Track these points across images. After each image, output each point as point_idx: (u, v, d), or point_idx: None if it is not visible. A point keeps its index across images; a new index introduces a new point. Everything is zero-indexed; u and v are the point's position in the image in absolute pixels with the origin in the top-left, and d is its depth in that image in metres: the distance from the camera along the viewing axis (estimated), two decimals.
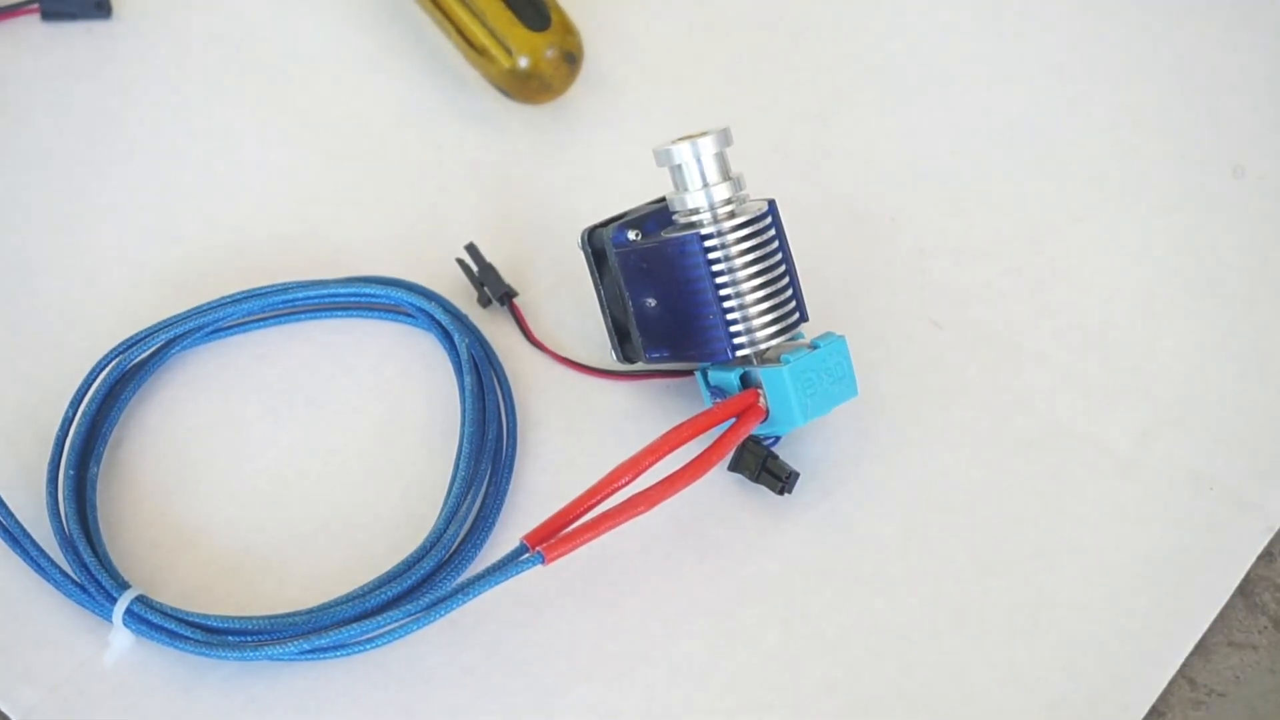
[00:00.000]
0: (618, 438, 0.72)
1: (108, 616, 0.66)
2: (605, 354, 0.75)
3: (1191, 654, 0.67)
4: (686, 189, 0.69)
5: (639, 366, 0.74)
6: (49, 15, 0.89)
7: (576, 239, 0.73)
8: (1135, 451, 0.72)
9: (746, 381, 0.69)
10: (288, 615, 0.65)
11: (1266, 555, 0.70)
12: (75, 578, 0.67)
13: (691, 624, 0.67)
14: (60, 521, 0.68)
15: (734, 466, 0.71)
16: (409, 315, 0.77)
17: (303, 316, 0.77)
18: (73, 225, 0.82)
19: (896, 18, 0.91)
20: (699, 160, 0.69)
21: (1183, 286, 0.79)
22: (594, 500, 0.65)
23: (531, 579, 0.65)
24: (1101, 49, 0.90)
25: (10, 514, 0.68)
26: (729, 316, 0.69)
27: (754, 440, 0.70)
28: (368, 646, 0.65)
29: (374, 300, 0.77)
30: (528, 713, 0.65)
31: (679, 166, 0.69)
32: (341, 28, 0.91)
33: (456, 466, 0.70)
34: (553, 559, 0.64)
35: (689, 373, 0.74)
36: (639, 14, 0.91)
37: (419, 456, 0.73)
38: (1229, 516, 0.70)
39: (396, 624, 0.64)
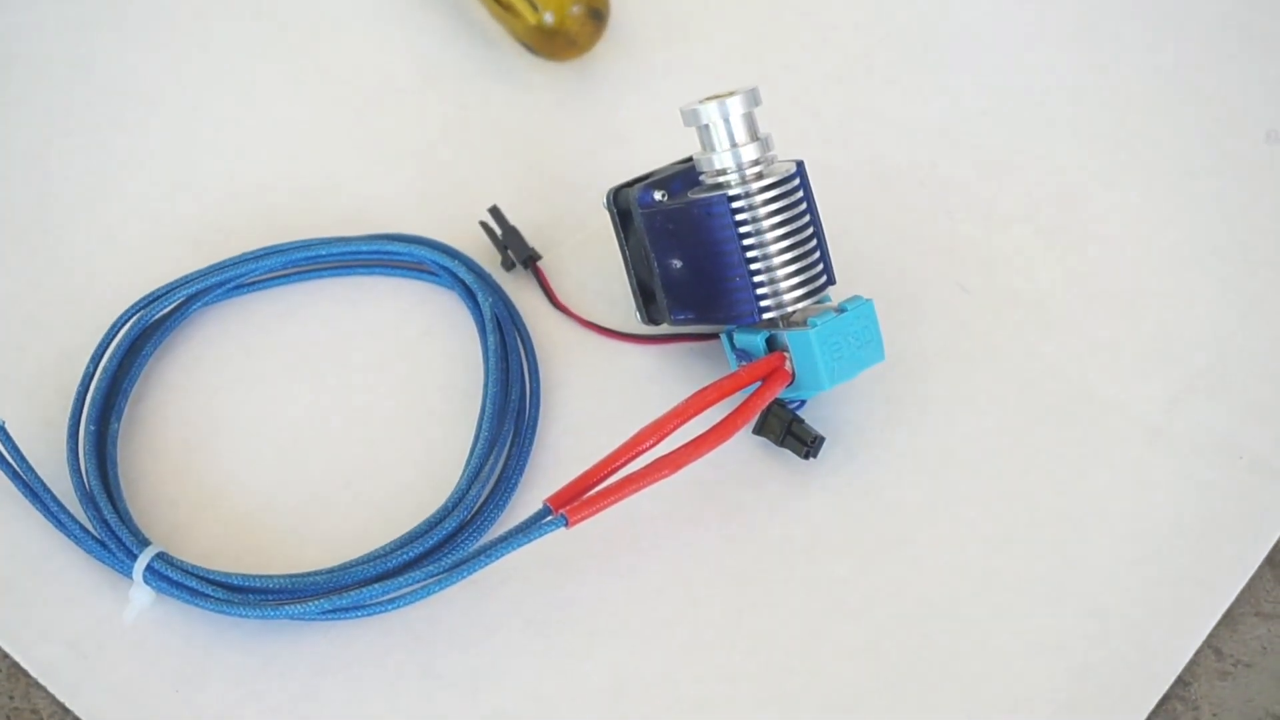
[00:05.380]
0: (642, 400, 0.72)
1: (128, 573, 0.65)
2: (629, 316, 0.74)
3: (1218, 624, 0.66)
4: (714, 149, 0.68)
5: (663, 329, 0.74)
6: None
7: (601, 198, 0.72)
8: (1164, 419, 0.72)
9: (772, 344, 0.69)
10: (308, 575, 0.65)
11: None
12: (95, 534, 0.67)
13: (714, 588, 0.67)
14: (81, 477, 0.68)
15: (759, 430, 0.70)
16: (432, 273, 0.76)
17: (325, 273, 0.77)
18: (94, 179, 0.81)
19: None
20: (727, 120, 0.68)
21: (1214, 252, 0.78)
22: (618, 463, 0.65)
23: (554, 541, 0.65)
24: (1134, 11, 0.88)
25: (30, 469, 0.67)
26: (756, 279, 0.68)
27: (780, 404, 0.70)
28: (389, 607, 0.65)
29: (397, 258, 0.76)
30: (549, 674, 0.65)
31: (706, 126, 0.68)
32: None
33: (479, 427, 0.70)
34: (576, 522, 0.63)
35: (714, 335, 0.73)
36: None
37: (441, 416, 0.72)
38: (1258, 485, 0.69)
39: (418, 585, 0.64)
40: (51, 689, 0.64)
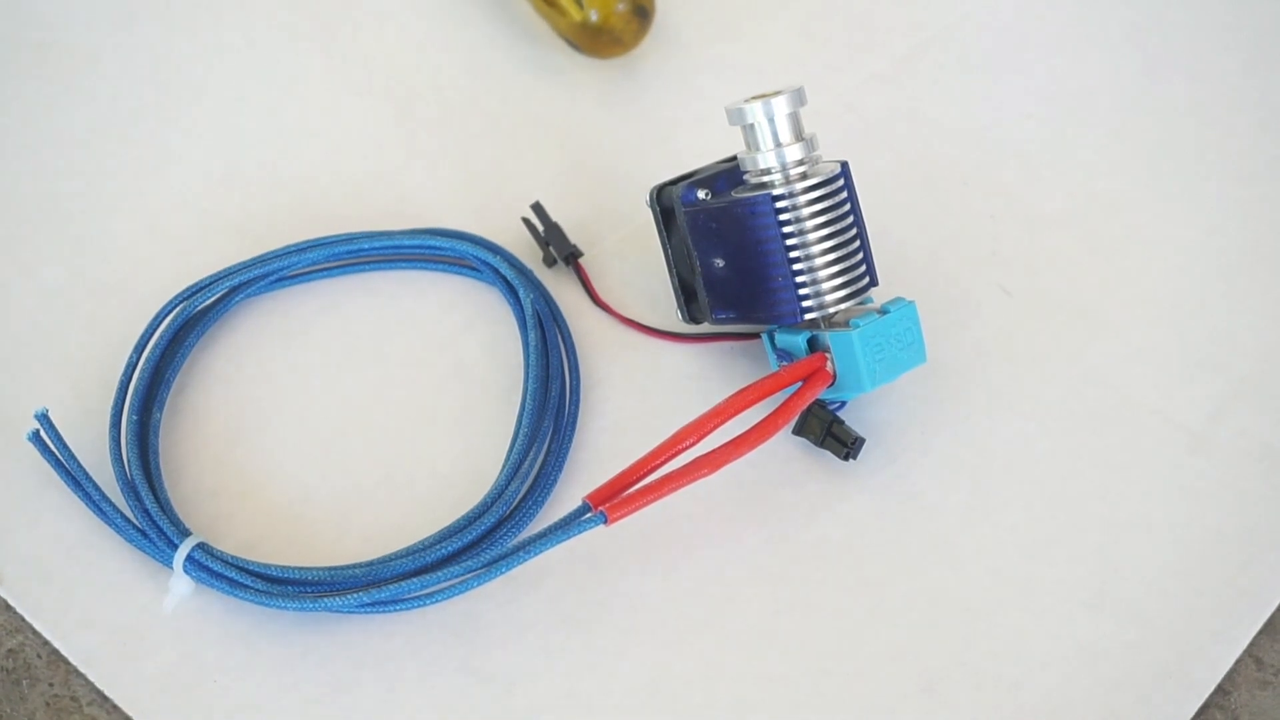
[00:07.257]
0: (682, 399, 0.72)
1: (168, 563, 0.66)
2: (671, 315, 0.74)
3: (1259, 633, 0.66)
4: (758, 148, 0.68)
5: (704, 328, 0.74)
6: None
7: (644, 196, 0.72)
8: (1207, 426, 0.71)
9: (814, 345, 0.69)
10: (347, 567, 0.65)
11: None
12: (137, 523, 0.67)
13: (752, 588, 0.67)
14: (123, 466, 0.68)
15: (799, 431, 0.70)
16: (474, 269, 0.76)
17: (367, 267, 0.77)
18: (139, 170, 0.82)
19: None
20: (772, 120, 0.68)
21: (1260, 260, 0.77)
22: (658, 461, 0.65)
23: (592, 539, 0.65)
24: (1181, 15, 0.88)
25: (73, 457, 0.68)
26: (798, 279, 0.68)
27: (820, 405, 0.69)
28: (426, 601, 0.65)
29: (439, 252, 0.77)
30: (585, 672, 0.65)
31: (751, 126, 0.68)
32: None
33: (519, 422, 0.70)
34: (615, 519, 0.63)
35: (755, 335, 0.73)
36: None
37: (481, 411, 0.72)
38: None
39: (456, 580, 0.64)
40: (91, 676, 0.65)
